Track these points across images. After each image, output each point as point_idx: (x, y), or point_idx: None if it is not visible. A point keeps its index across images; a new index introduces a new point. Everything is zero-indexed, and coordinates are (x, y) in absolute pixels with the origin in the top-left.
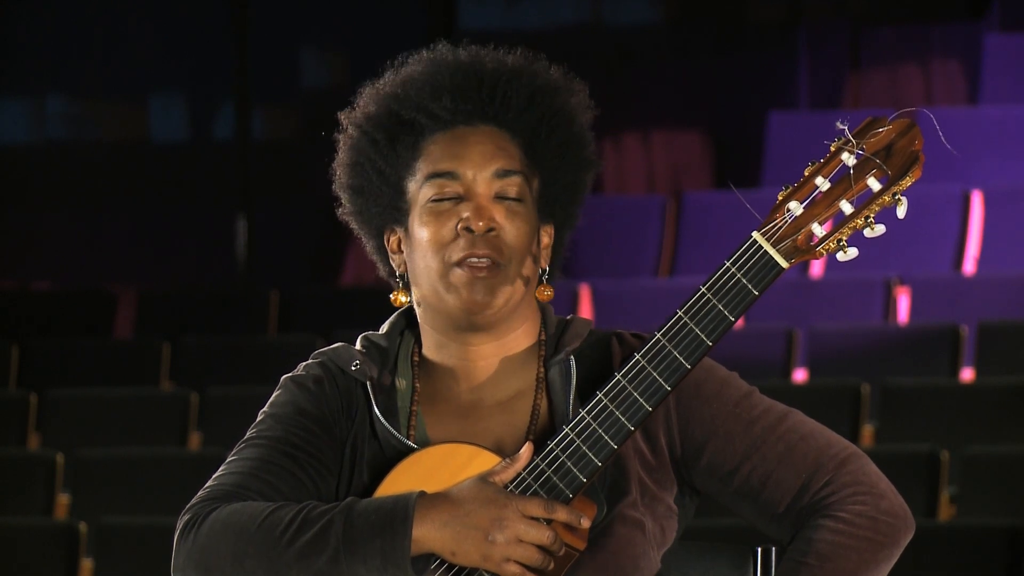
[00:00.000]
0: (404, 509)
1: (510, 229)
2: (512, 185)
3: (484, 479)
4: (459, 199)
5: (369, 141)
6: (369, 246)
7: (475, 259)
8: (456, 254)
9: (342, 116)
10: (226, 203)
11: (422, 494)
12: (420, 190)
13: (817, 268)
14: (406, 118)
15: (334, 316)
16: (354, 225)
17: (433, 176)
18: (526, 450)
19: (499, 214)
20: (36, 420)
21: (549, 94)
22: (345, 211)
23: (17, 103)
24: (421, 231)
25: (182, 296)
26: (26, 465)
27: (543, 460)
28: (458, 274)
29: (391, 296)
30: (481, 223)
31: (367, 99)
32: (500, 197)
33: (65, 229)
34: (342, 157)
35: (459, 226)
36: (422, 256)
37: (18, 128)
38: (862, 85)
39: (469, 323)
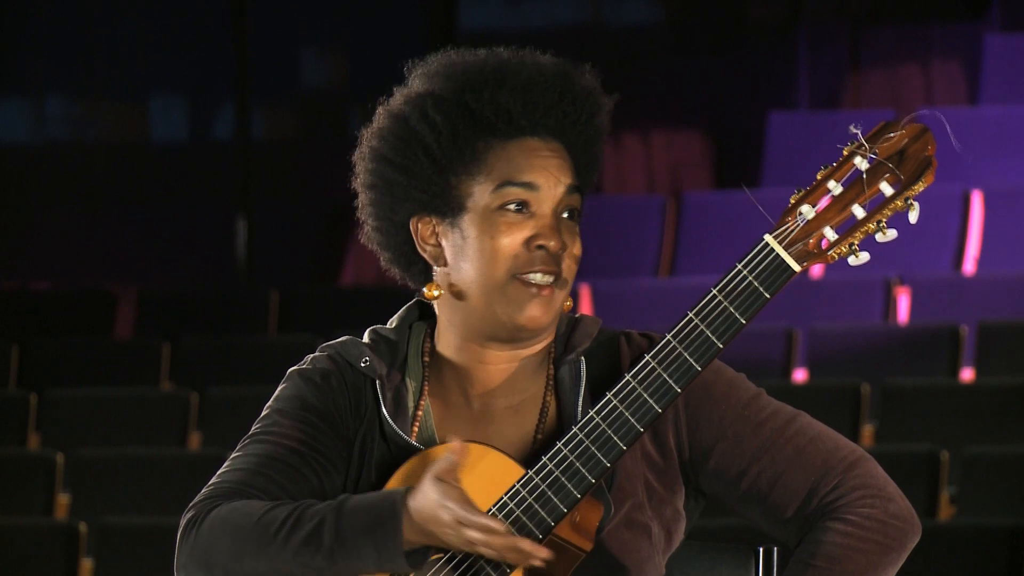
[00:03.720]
0: (392, 510)
1: (571, 247)
2: (576, 201)
3: (435, 480)
4: (529, 213)
5: (427, 124)
6: (380, 223)
7: (539, 275)
8: (522, 268)
9: (394, 89)
10: (226, 203)
11: (409, 490)
12: (487, 194)
13: (817, 269)
14: (481, 115)
15: (334, 316)
16: (371, 197)
17: (508, 184)
18: (456, 445)
19: (564, 232)
20: (36, 420)
21: (600, 109)
22: (368, 182)
23: (17, 103)
24: (483, 238)
25: (182, 296)
26: (26, 465)
27: (551, 460)
28: (518, 288)
29: (424, 289)
30: (555, 243)
31: (427, 79)
32: (564, 213)
33: (65, 229)
34: (385, 128)
35: (532, 242)
36: (479, 262)
37: (18, 128)
38: (862, 85)
39: (512, 336)
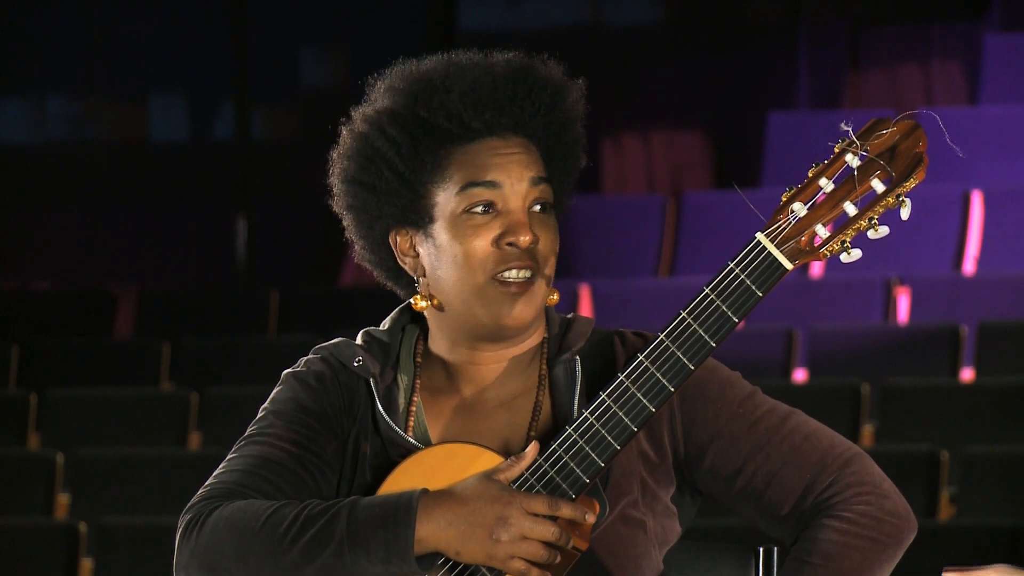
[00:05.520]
0: (408, 503)
1: (544, 240)
2: (544, 193)
3: (488, 476)
4: (495, 212)
5: (387, 139)
6: (363, 241)
7: (515, 272)
8: (496, 268)
9: (353, 110)
10: (226, 203)
11: (425, 491)
12: (452, 199)
13: (817, 268)
14: (435, 124)
15: (334, 316)
16: (351, 218)
17: (471, 185)
18: (532, 448)
19: (535, 226)
20: (36, 420)
21: (562, 97)
22: (344, 203)
23: (17, 103)
24: (454, 244)
25: (182, 296)
26: (26, 465)
27: (546, 460)
28: (496, 289)
29: (412, 300)
30: (525, 238)
31: (383, 95)
32: (533, 207)
33: (65, 229)
34: (350, 149)
35: (502, 241)
36: (454, 268)
37: (18, 128)
38: (862, 85)
39: (497, 336)
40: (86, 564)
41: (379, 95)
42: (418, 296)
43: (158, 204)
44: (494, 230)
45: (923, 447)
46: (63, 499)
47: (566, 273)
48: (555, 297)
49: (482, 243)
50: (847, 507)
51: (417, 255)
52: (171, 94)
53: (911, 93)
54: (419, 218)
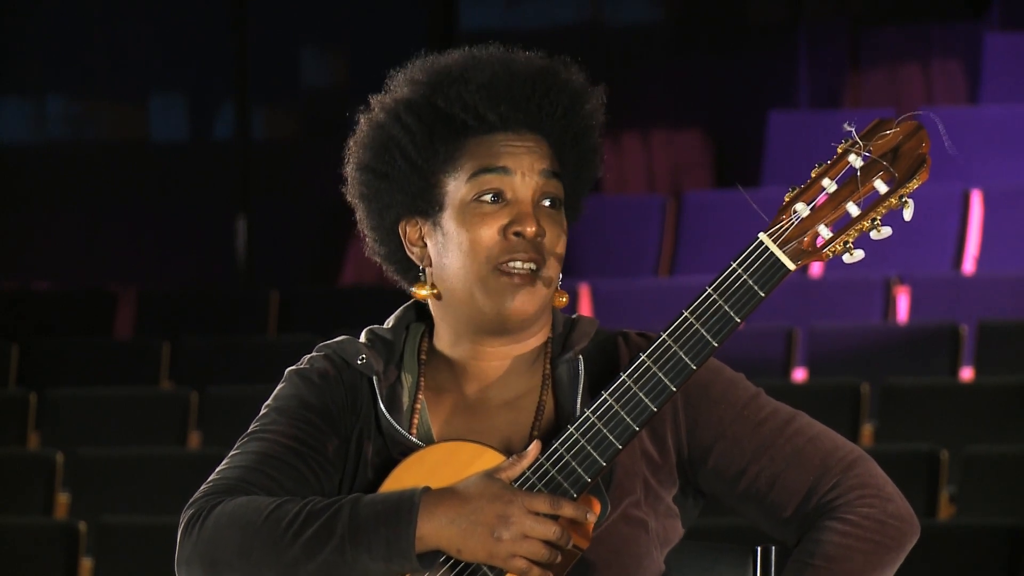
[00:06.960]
0: (410, 500)
1: (551, 235)
2: (555, 188)
3: (490, 475)
4: (504, 201)
5: (402, 128)
6: (373, 232)
7: (519, 263)
8: (500, 257)
9: (371, 98)
10: (226, 203)
11: (427, 489)
12: (462, 187)
13: (817, 268)
14: (451, 114)
15: (334, 316)
16: (363, 207)
17: (482, 172)
18: (534, 447)
19: (543, 219)
20: (36, 420)
21: (580, 103)
22: (357, 192)
23: (17, 103)
24: (461, 231)
25: (182, 296)
26: (26, 465)
27: (548, 460)
28: (499, 279)
29: (412, 288)
30: (532, 228)
31: (401, 85)
32: (542, 201)
33: (65, 229)
34: (366, 137)
35: (508, 230)
36: (460, 256)
37: (18, 128)
38: (862, 85)
39: (499, 328)
40: (86, 564)
41: (398, 85)
42: (420, 284)
43: (158, 204)
44: (501, 219)
45: (923, 447)
46: (63, 499)
47: (566, 273)
48: (564, 299)
49: (488, 232)
50: (850, 509)
51: (425, 245)
52: (171, 94)
53: (911, 93)
54: (429, 207)
